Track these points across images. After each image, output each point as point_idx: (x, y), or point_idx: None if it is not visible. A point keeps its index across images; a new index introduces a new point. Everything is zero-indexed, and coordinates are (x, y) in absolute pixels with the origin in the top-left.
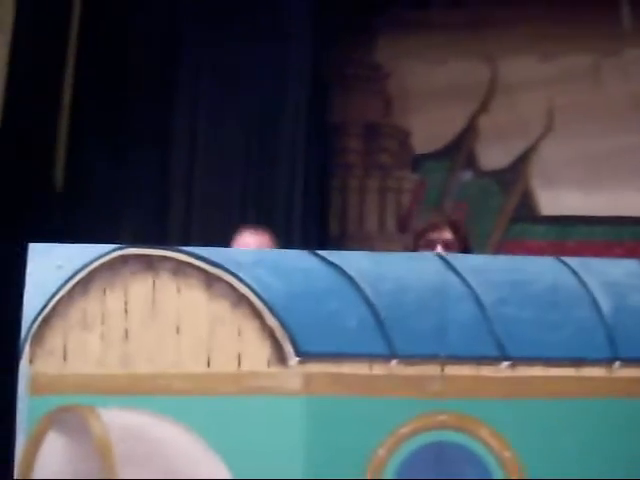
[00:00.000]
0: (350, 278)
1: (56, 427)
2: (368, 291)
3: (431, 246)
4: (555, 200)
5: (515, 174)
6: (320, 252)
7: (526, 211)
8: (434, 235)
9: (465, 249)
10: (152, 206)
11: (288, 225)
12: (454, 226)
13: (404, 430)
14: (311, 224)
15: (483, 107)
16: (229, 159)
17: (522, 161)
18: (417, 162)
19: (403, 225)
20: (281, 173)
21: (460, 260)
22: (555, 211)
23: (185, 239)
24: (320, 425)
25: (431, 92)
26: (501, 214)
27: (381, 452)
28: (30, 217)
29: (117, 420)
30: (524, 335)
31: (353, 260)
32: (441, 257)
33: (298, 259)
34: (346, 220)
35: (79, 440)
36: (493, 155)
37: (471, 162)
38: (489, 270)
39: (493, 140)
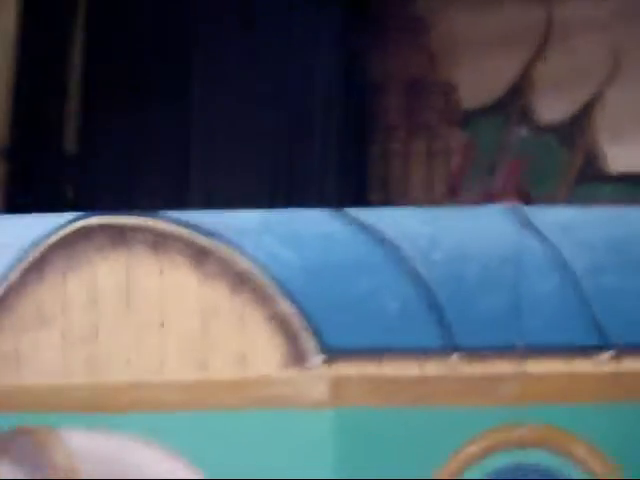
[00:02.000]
0: (390, 245)
1: (7, 454)
2: (416, 261)
3: None
4: (625, 156)
5: (578, 128)
6: (348, 210)
7: (593, 170)
8: None
9: None
10: (171, 172)
11: (322, 196)
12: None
13: (471, 449)
14: (349, 194)
15: (538, 54)
16: (256, 124)
17: (585, 113)
18: (466, 119)
19: (453, 190)
20: (314, 138)
21: (540, 214)
22: (626, 168)
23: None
24: (354, 447)
25: (478, 41)
26: (564, 174)
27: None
28: (41, 182)
29: (85, 445)
30: (632, 315)
31: (394, 220)
32: (514, 210)
33: (319, 222)
34: (389, 188)
35: (36, 470)
36: (552, 107)
37: (527, 117)
38: (580, 226)
39: (551, 91)
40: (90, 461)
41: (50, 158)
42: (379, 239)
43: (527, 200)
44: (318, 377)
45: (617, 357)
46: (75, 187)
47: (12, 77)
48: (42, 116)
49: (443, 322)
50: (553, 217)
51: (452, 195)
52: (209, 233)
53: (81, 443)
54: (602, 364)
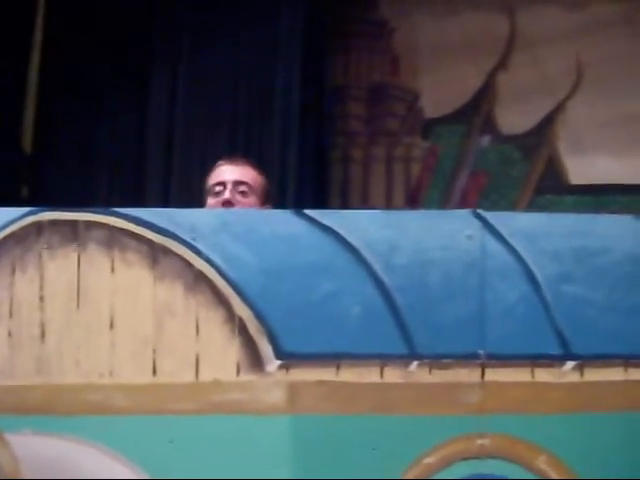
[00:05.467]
0: (351, 248)
1: None
2: (377, 266)
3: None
4: (586, 167)
5: (540, 138)
6: (309, 212)
7: (553, 180)
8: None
9: None
10: (128, 169)
11: (281, 202)
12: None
13: (430, 460)
14: (308, 200)
15: (502, 64)
16: (212, 127)
17: (547, 124)
18: (428, 127)
19: (413, 199)
20: (273, 144)
21: (506, 220)
22: (586, 180)
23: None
24: (312, 455)
25: (442, 48)
26: (525, 184)
27: None
28: None
29: (31, 449)
30: (595, 325)
31: (355, 222)
32: (478, 215)
33: (278, 222)
34: (348, 194)
35: None
36: (514, 118)
37: (489, 126)
38: (546, 233)
39: (514, 101)
40: (35, 464)
41: (6, 158)
42: (339, 242)
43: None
44: (274, 383)
45: (580, 367)
46: (30, 187)
47: None
48: None
49: (404, 329)
50: (518, 223)
51: (412, 203)
52: (164, 231)
53: (26, 447)
54: (565, 374)
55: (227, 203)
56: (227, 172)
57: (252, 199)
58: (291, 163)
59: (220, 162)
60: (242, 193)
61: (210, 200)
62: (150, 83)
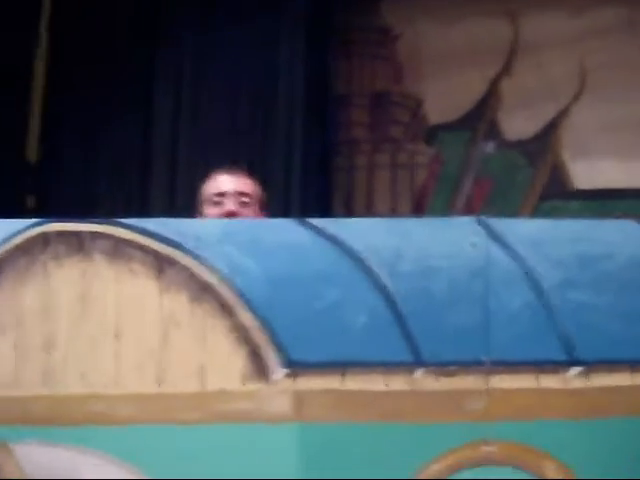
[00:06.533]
0: (356, 256)
1: None
2: (382, 274)
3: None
4: (590, 172)
5: (544, 144)
6: (313, 221)
7: (558, 186)
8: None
9: None
10: (133, 180)
11: (285, 210)
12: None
13: (437, 467)
14: (312, 208)
15: (505, 70)
16: (216, 137)
17: (551, 129)
18: (432, 134)
19: (418, 205)
20: (276, 152)
21: (510, 226)
22: (591, 185)
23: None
24: (318, 463)
25: (446, 55)
26: (529, 190)
27: None
28: (2, 192)
29: (38, 460)
30: (600, 331)
31: (358, 231)
32: (482, 222)
33: (283, 231)
34: (353, 202)
35: None
36: (518, 123)
37: (493, 132)
38: (550, 240)
39: (518, 107)
40: (40, 474)
41: (11, 167)
42: (344, 250)
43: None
44: (280, 391)
45: (586, 373)
46: (36, 197)
47: None
48: (4, 125)
49: (409, 336)
50: (522, 230)
51: (417, 210)
52: (170, 242)
53: (33, 457)
54: (571, 380)
55: (231, 214)
56: (227, 183)
57: (252, 209)
58: (295, 171)
59: (217, 172)
60: (243, 204)
61: (210, 210)
62: (155, 92)
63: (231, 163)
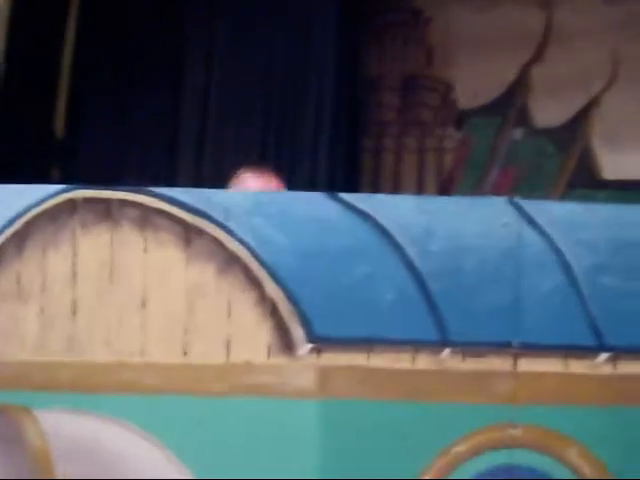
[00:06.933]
0: (386, 232)
1: None
2: (411, 251)
3: None
4: (620, 162)
5: (574, 133)
6: (344, 195)
7: (586, 175)
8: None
9: None
10: (160, 157)
11: (313, 188)
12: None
13: (460, 449)
14: (340, 189)
15: (537, 56)
16: (246, 115)
17: (582, 118)
18: (461, 119)
19: (445, 189)
20: (306, 131)
21: (542, 209)
22: (620, 175)
23: None
24: (341, 440)
25: (477, 40)
26: (558, 178)
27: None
28: (29, 166)
29: (62, 427)
30: (630, 317)
31: (390, 207)
32: (514, 203)
33: (312, 205)
34: (380, 184)
35: (10, 453)
36: (548, 111)
37: (523, 119)
38: (582, 224)
39: (548, 94)
40: (63, 442)
41: (38, 141)
42: (373, 226)
43: None
44: (305, 366)
45: (614, 359)
46: (62, 170)
47: (2, 61)
48: (32, 100)
49: (437, 315)
50: (554, 213)
51: (444, 194)
52: (198, 212)
53: (57, 425)
54: (598, 366)
55: None
56: (254, 186)
57: None
58: (323, 151)
59: (243, 171)
60: None
61: None
62: (185, 69)
63: (260, 144)
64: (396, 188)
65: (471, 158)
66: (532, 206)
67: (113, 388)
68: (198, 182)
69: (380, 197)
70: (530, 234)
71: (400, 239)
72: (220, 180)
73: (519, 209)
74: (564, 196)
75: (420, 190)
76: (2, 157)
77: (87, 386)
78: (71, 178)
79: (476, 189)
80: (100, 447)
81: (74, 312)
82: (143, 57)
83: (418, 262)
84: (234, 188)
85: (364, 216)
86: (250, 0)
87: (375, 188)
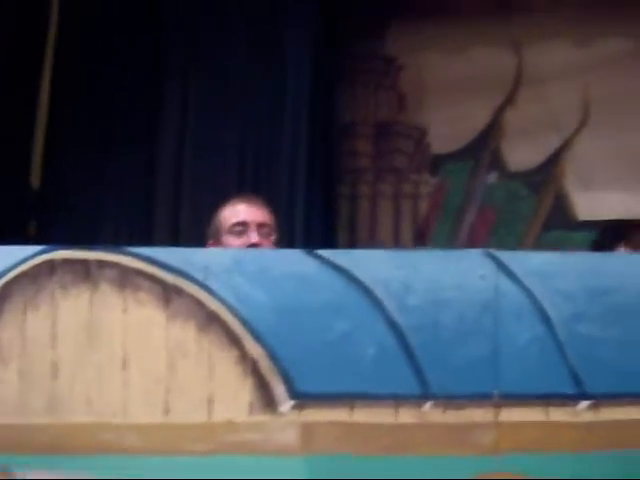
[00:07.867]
0: (364, 288)
1: None
2: (390, 306)
3: None
4: (594, 203)
5: (547, 175)
6: (321, 252)
7: (561, 217)
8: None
9: None
10: (137, 207)
11: (290, 239)
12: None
13: None
14: (316, 236)
15: (509, 100)
16: (220, 166)
17: (555, 160)
18: (435, 164)
19: (421, 235)
20: (281, 180)
21: (519, 259)
22: (594, 215)
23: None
24: None
25: (449, 85)
26: (533, 220)
27: None
28: (4, 218)
29: None
30: (609, 364)
31: (368, 262)
32: (490, 255)
33: (291, 262)
34: (356, 231)
35: None
36: (521, 154)
37: (497, 163)
38: (558, 273)
39: (521, 137)
40: None
41: (14, 193)
42: (352, 282)
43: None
44: (288, 423)
45: (594, 406)
46: (38, 223)
47: None
48: (7, 151)
49: (418, 369)
50: (531, 263)
51: (420, 240)
52: (177, 271)
53: None
54: (579, 413)
55: (255, 246)
56: (248, 213)
57: (272, 239)
58: (299, 198)
59: (235, 200)
60: (265, 234)
61: (232, 240)
62: (159, 123)
63: (235, 187)
64: (372, 234)
65: (447, 202)
66: (509, 257)
67: (94, 449)
68: (175, 233)
69: (357, 252)
70: (507, 285)
71: (379, 294)
72: (197, 227)
73: (496, 260)
74: (540, 238)
75: (396, 235)
76: None
77: (68, 447)
78: (47, 230)
79: (452, 233)
80: None
81: (54, 373)
82: (119, 109)
83: (397, 316)
84: (226, 215)
85: (342, 272)
86: (225, 49)
87: (352, 234)
